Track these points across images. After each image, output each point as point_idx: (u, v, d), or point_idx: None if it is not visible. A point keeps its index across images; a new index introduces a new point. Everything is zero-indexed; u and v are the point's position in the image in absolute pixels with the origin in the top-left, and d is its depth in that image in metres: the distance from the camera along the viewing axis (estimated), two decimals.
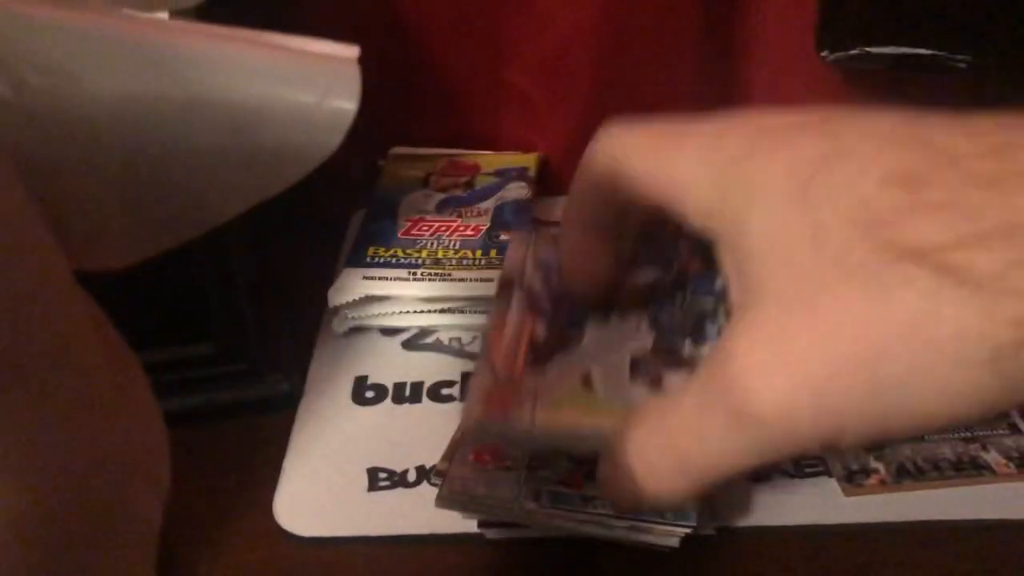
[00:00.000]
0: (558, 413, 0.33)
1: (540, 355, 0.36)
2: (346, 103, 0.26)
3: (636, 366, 0.36)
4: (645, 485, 0.28)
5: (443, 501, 0.36)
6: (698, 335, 0.36)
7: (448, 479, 0.36)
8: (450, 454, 0.37)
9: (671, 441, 0.28)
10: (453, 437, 0.38)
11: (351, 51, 0.27)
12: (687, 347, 0.36)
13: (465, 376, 0.45)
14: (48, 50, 0.24)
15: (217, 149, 0.26)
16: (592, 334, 0.37)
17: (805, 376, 0.25)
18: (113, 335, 0.27)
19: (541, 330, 0.37)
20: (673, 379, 0.34)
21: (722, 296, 0.37)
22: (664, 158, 0.30)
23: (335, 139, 0.26)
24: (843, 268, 0.24)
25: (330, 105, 0.26)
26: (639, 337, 0.37)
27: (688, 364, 0.35)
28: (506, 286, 0.40)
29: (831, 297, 0.25)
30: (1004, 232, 0.23)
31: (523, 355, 0.36)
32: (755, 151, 0.27)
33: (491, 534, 0.37)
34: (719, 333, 0.36)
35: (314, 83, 0.26)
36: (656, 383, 0.34)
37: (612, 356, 0.36)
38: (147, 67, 0.25)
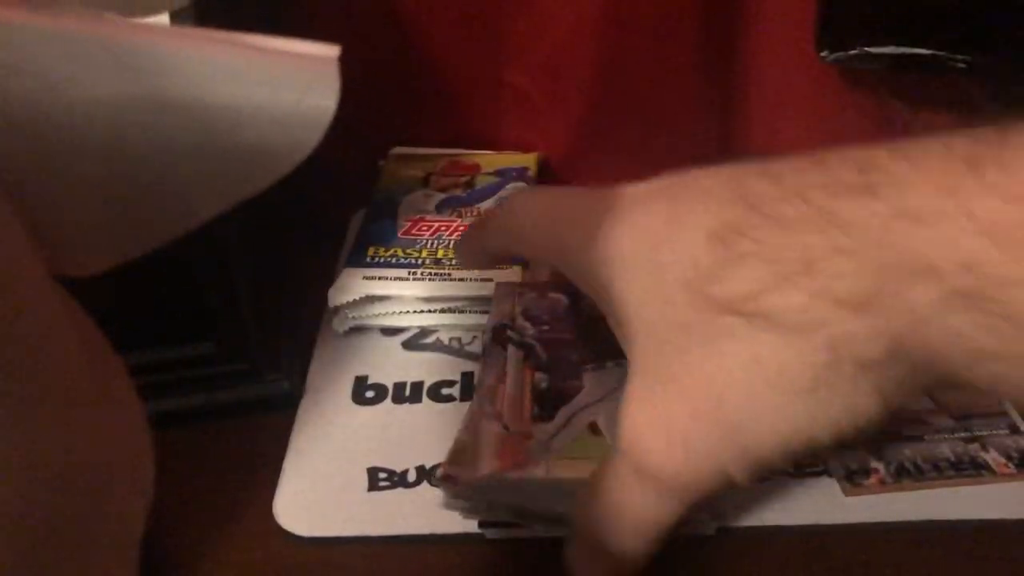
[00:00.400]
0: (572, 463, 0.35)
1: (545, 406, 0.37)
2: (325, 101, 0.26)
3: None
4: (606, 550, 0.32)
5: (450, 503, 0.36)
6: None
7: (454, 481, 0.36)
8: (455, 457, 0.37)
9: (611, 508, 0.31)
10: (457, 439, 0.38)
11: (331, 51, 0.27)
12: None
13: (465, 376, 0.45)
14: (25, 54, 0.24)
15: (196, 150, 0.26)
16: (591, 382, 0.38)
17: (674, 433, 0.28)
18: (95, 336, 0.27)
19: (542, 381, 0.38)
20: None
21: None
22: (556, 231, 0.35)
23: (314, 138, 0.26)
24: (684, 330, 0.28)
25: (309, 104, 0.26)
26: None
27: None
28: (499, 332, 0.41)
29: (678, 358, 0.28)
30: (800, 270, 0.26)
31: (528, 407, 0.37)
32: (616, 222, 0.31)
33: (491, 534, 0.37)
34: None
35: (293, 82, 0.26)
36: None
37: (614, 402, 0.37)
38: (125, 70, 0.25)
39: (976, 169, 0.23)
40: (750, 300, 0.27)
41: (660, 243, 0.29)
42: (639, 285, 0.30)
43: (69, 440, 0.23)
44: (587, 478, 0.34)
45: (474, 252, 0.42)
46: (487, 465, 0.34)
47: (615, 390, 0.38)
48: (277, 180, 0.27)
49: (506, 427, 0.36)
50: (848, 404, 0.27)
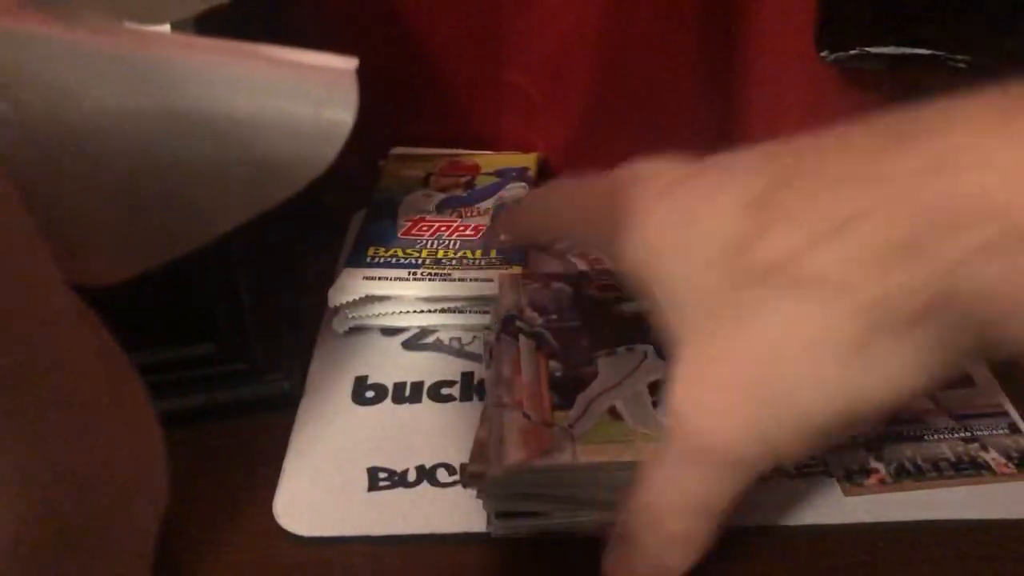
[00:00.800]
0: (597, 448, 0.35)
1: (562, 394, 0.38)
2: (342, 115, 0.26)
3: (655, 392, 0.38)
4: (662, 540, 0.32)
5: (489, 499, 0.36)
6: None
7: (481, 478, 0.36)
8: (478, 454, 0.37)
9: (668, 492, 0.31)
10: (476, 437, 0.38)
11: (349, 63, 0.27)
12: None
13: (465, 376, 0.45)
14: (44, 66, 0.24)
15: (214, 162, 0.26)
16: (605, 368, 0.39)
17: (725, 407, 0.29)
18: (110, 343, 0.27)
19: (556, 370, 0.39)
20: None
21: None
22: (596, 219, 0.36)
23: (332, 151, 0.26)
24: (726, 301, 0.28)
25: (326, 117, 0.26)
26: (649, 365, 0.39)
27: None
28: (509, 323, 0.41)
29: (723, 331, 0.28)
30: (833, 231, 0.26)
31: (547, 396, 0.37)
32: (653, 205, 0.31)
33: (502, 529, 0.37)
34: None
35: (310, 95, 0.26)
36: None
37: (631, 387, 0.38)
38: (143, 82, 0.25)
39: (1008, 121, 0.23)
40: (786, 267, 0.26)
41: (695, 221, 0.29)
42: (679, 265, 0.30)
43: (88, 449, 0.23)
44: (613, 462, 0.34)
45: (520, 226, 0.43)
46: (513, 455, 0.35)
47: (630, 375, 0.38)
48: (295, 193, 0.27)
49: (527, 416, 0.36)
50: (894, 366, 0.26)
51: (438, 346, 0.47)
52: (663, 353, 0.39)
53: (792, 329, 0.27)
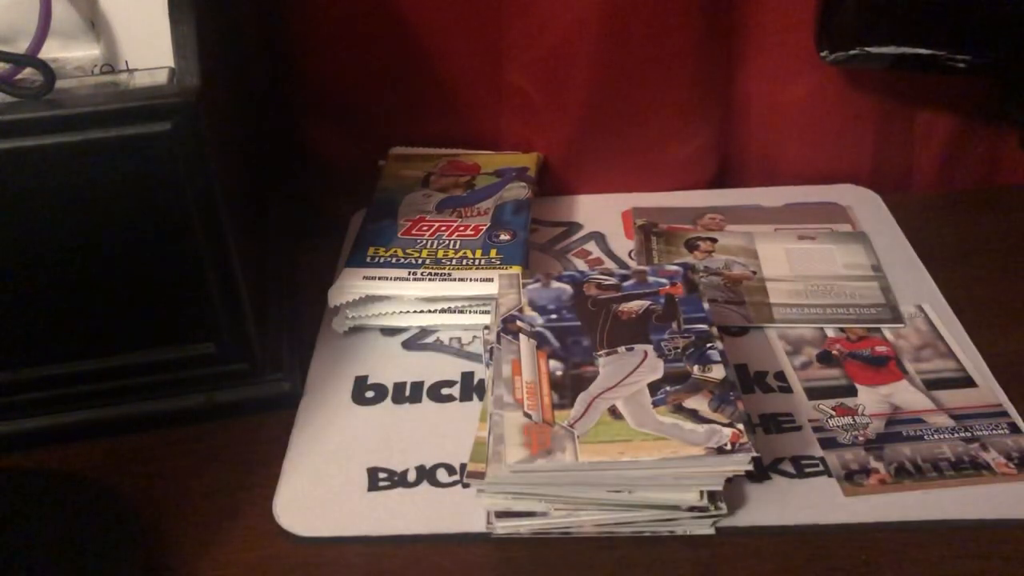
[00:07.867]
0: (598, 447, 0.35)
1: (562, 393, 0.38)
2: None
3: (655, 393, 0.38)
4: None
5: (483, 497, 0.37)
6: (702, 359, 0.39)
7: (481, 477, 0.36)
8: (479, 453, 0.37)
9: None
10: (477, 438, 0.39)
11: None
12: (696, 371, 0.38)
13: (465, 376, 0.45)
14: None
15: None
16: (605, 367, 0.39)
17: None
18: None
19: (557, 369, 0.39)
20: (693, 403, 0.37)
21: (713, 319, 0.41)
22: None
23: None
24: None
25: None
26: (649, 365, 0.39)
27: (702, 388, 0.37)
28: (510, 323, 0.41)
29: None
30: None
31: (547, 395, 0.37)
32: None
33: (498, 530, 0.37)
34: (720, 356, 0.39)
35: None
36: (679, 408, 0.37)
37: (631, 386, 0.38)
38: None
39: None
40: None
41: None
42: None
43: None
44: (614, 462, 0.34)
45: None
46: (513, 454, 0.35)
47: (629, 375, 0.38)
48: None
49: (528, 415, 0.37)
50: None
51: (438, 346, 0.47)
52: (663, 353, 0.39)
53: None
